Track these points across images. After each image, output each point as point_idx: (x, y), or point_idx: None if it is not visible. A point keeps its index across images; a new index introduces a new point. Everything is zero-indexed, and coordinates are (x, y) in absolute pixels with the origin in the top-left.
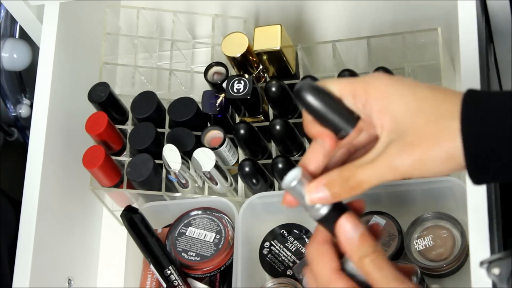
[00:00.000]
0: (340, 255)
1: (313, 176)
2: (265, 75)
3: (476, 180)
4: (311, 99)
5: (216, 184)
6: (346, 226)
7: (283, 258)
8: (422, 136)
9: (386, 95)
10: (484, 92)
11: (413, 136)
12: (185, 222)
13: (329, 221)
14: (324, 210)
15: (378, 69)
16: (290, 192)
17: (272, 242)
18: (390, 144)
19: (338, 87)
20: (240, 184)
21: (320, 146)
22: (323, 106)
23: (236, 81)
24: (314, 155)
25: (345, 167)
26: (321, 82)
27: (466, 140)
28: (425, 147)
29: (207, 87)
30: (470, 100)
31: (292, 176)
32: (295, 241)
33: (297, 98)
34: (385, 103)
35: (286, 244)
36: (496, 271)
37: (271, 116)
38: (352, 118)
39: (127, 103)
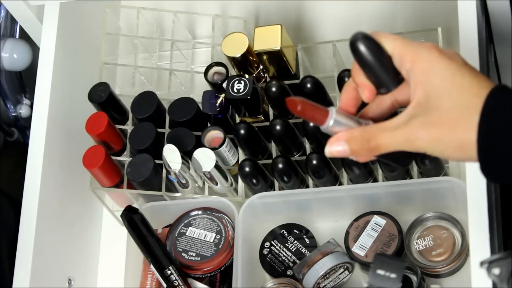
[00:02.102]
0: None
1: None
2: (265, 75)
3: (488, 178)
4: (363, 49)
5: (216, 184)
6: (336, 147)
7: (283, 258)
8: (444, 119)
9: (428, 71)
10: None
11: (436, 116)
12: (185, 222)
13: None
14: None
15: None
16: (326, 132)
17: (272, 242)
18: (413, 117)
19: (391, 46)
20: (240, 184)
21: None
22: (373, 60)
23: (236, 81)
24: (349, 98)
25: (368, 128)
26: (377, 34)
27: (480, 138)
28: (442, 130)
29: (207, 87)
30: (495, 99)
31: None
32: (295, 241)
33: (351, 46)
34: (424, 77)
35: (286, 244)
36: (496, 271)
37: (271, 116)
38: (397, 79)
39: (127, 103)
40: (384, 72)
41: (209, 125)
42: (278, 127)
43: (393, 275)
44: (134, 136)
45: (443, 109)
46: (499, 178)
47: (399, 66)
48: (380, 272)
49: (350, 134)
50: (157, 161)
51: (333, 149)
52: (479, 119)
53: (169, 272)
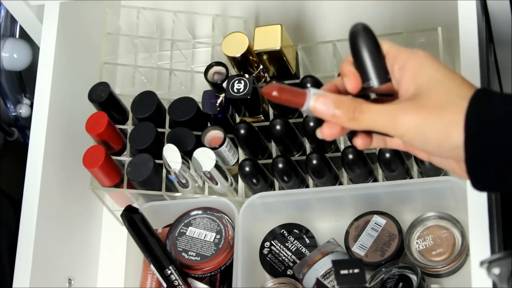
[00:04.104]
0: None
1: None
2: (265, 75)
3: (475, 180)
4: (361, 38)
5: (216, 184)
6: (322, 104)
7: (283, 258)
8: (433, 103)
9: (422, 65)
10: (501, 93)
11: (425, 100)
12: (185, 222)
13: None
14: None
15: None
16: (309, 114)
17: (272, 242)
18: (403, 101)
19: (387, 46)
20: (240, 184)
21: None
22: (367, 50)
23: (236, 81)
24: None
25: (358, 99)
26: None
27: (468, 122)
28: (429, 112)
29: (207, 87)
30: (485, 91)
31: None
32: (295, 241)
33: (350, 35)
34: (418, 70)
35: (286, 244)
36: (496, 271)
37: (271, 116)
38: (385, 77)
39: (127, 103)
40: (374, 65)
41: (209, 125)
42: (278, 127)
43: (356, 270)
44: (134, 136)
45: (433, 94)
46: (484, 171)
47: (391, 65)
48: (344, 271)
49: (339, 98)
50: (157, 161)
51: (318, 104)
52: (468, 104)
53: (169, 272)
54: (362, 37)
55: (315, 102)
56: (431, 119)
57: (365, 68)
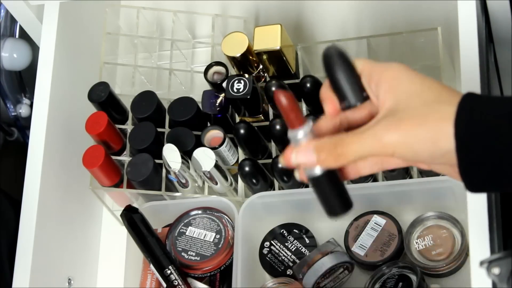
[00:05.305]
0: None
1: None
2: (265, 75)
3: (469, 183)
4: (334, 63)
5: (216, 183)
6: (304, 156)
7: (283, 257)
8: (413, 115)
9: (397, 77)
10: (488, 96)
11: (404, 114)
12: (185, 221)
13: (320, 184)
14: (318, 171)
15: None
16: (290, 138)
17: (272, 242)
18: (381, 119)
19: (361, 64)
20: (240, 183)
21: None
22: (341, 73)
23: (236, 81)
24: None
25: (336, 135)
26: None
27: (458, 126)
28: (412, 123)
29: (207, 86)
30: (472, 95)
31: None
32: (295, 241)
33: (323, 58)
34: (394, 83)
35: (286, 244)
36: (496, 270)
37: (271, 116)
38: (362, 96)
39: (127, 103)
40: (350, 86)
41: (209, 124)
42: (278, 127)
43: None
44: (134, 135)
45: (413, 107)
46: (477, 174)
47: (368, 82)
48: None
49: (318, 142)
50: (157, 161)
51: (300, 158)
52: (457, 108)
53: (169, 271)
54: (334, 60)
55: (297, 157)
56: (414, 131)
57: (341, 90)
